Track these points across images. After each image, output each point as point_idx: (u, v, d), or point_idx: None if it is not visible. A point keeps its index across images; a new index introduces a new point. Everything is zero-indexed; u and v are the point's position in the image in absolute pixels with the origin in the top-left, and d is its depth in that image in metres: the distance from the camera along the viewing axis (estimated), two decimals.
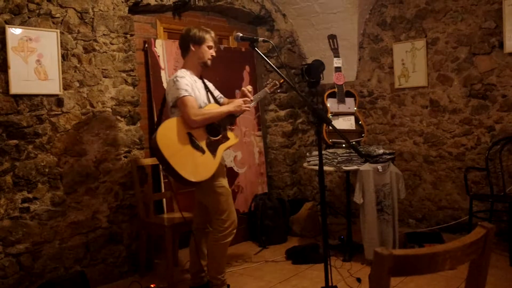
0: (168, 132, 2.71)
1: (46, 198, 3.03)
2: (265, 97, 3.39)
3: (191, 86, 2.81)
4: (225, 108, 2.91)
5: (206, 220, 3.05)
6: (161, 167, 2.80)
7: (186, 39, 2.92)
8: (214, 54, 2.97)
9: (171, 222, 3.21)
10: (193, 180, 2.69)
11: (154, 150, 2.69)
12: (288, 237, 4.31)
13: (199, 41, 2.89)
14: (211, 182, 2.84)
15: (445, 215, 4.24)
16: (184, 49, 2.95)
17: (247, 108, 2.98)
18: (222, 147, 2.88)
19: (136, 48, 3.61)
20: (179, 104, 2.76)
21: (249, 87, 3.09)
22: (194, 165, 2.70)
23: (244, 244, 4.23)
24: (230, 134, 2.98)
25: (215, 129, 2.88)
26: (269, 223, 4.18)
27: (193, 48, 2.91)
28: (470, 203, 3.71)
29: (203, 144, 2.78)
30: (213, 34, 2.95)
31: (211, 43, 2.93)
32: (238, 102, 2.96)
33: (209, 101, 2.96)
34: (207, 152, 2.78)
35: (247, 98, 3.00)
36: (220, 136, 2.90)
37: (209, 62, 2.96)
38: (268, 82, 3.27)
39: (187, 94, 2.74)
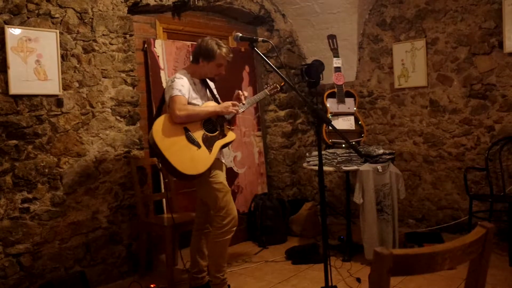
0: (165, 126, 2.74)
1: (46, 198, 3.03)
2: (265, 98, 3.38)
3: (187, 88, 2.83)
4: (211, 108, 2.90)
5: (207, 220, 3.05)
6: (157, 161, 2.82)
7: (198, 52, 2.91)
8: (223, 72, 2.95)
9: (171, 222, 3.20)
10: (187, 173, 2.71)
11: (151, 143, 2.73)
12: (288, 237, 4.31)
13: (209, 58, 2.87)
14: (208, 178, 2.85)
15: (445, 215, 4.24)
16: (194, 58, 2.95)
17: (233, 111, 2.93)
18: (218, 143, 2.88)
19: (136, 48, 3.61)
20: (169, 102, 2.78)
21: (245, 92, 3.07)
22: (189, 158, 2.72)
23: (244, 244, 4.23)
24: (227, 131, 2.98)
25: (212, 126, 2.90)
26: (269, 223, 4.18)
27: (201, 63, 2.91)
28: (469, 203, 3.71)
29: (199, 139, 2.80)
30: (225, 50, 2.88)
31: (221, 61, 2.90)
32: (226, 103, 2.93)
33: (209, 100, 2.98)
34: (203, 147, 2.80)
35: (236, 102, 2.97)
36: (217, 132, 2.91)
37: (216, 78, 2.98)
38: (269, 84, 3.27)
39: (179, 94, 2.76)
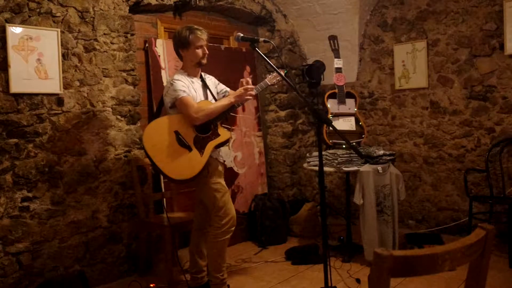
0: (154, 131, 2.74)
1: (46, 197, 3.03)
2: (267, 87, 3.25)
3: (188, 87, 2.84)
4: (226, 101, 2.89)
5: (206, 220, 3.05)
6: (150, 165, 2.82)
7: (174, 45, 2.93)
8: (206, 52, 2.93)
9: (171, 222, 3.20)
10: (176, 178, 2.72)
11: (143, 150, 2.75)
12: (287, 237, 4.31)
13: (186, 45, 2.87)
14: (206, 179, 2.85)
15: (445, 216, 4.23)
16: (177, 55, 2.97)
17: (249, 97, 2.93)
18: (211, 144, 2.86)
19: (137, 47, 3.61)
20: (178, 105, 2.79)
21: (248, 79, 2.99)
22: (179, 163, 2.72)
23: (244, 244, 4.23)
24: (221, 130, 2.95)
25: (205, 126, 2.87)
26: (269, 224, 4.18)
27: (182, 53, 2.92)
28: (469, 205, 3.70)
29: (190, 141, 2.79)
30: (198, 32, 2.87)
31: (199, 43, 2.88)
32: (238, 91, 2.92)
33: (207, 99, 2.98)
34: (194, 150, 2.78)
35: (248, 86, 2.92)
36: (210, 133, 2.89)
37: (203, 61, 2.93)
38: (269, 74, 3.17)
39: (185, 95, 2.77)
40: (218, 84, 3.16)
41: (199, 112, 2.76)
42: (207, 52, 2.94)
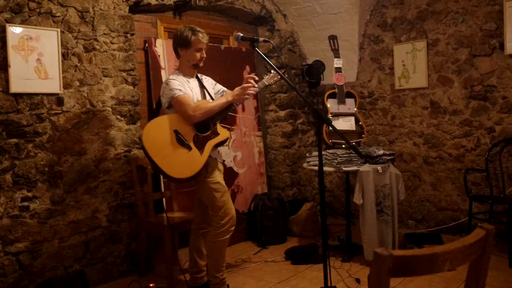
0: (154, 131, 2.74)
1: (45, 197, 3.03)
2: (266, 87, 3.25)
3: (183, 86, 2.84)
4: (224, 99, 2.88)
5: (205, 219, 3.05)
6: (150, 165, 2.82)
7: (174, 43, 2.93)
8: (204, 55, 2.93)
9: (170, 222, 3.20)
10: (176, 177, 2.72)
11: (142, 149, 2.75)
12: (287, 237, 4.31)
13: (186, 46, 2.87)
14: (205, 179, 2.85)
15: (445, 216, 4.24)
16: (175, 53, 2.97)
17: (247, 96, 2.92)
18: (210, 143, 2.86)
19: (137, 47, 3.61)
20: (175, 104, 2.79)
21: (253, 75, 3.00)
22: (179, 162, 2.72)
23: (244, 244, 4.23)
24: (220, 129, 2.95)
25: (204, 125, 2.88)
26: (268, 223, 4.18)
27: (181, 52, 2.92)
28: (469, 205, 3.70)
29: (190, 140, 2.79)
30: (200, 35, 2.88)
31: (199, 46, 2.88)
32: (236, 90, 2.91)
33: (205, 98, 2.97)
34: (194, 149, 2.78)
35: (246, 85, 2.91)
36: (209, 132, 2.88)
37: (199, 64, 2.94)
38: (267, 73, 3.16)
39: (181, 93, 2.77)
40: (216, 84, 3.16)
41: (197, 111, 2.76)
42: (205, 56, 2.95)
